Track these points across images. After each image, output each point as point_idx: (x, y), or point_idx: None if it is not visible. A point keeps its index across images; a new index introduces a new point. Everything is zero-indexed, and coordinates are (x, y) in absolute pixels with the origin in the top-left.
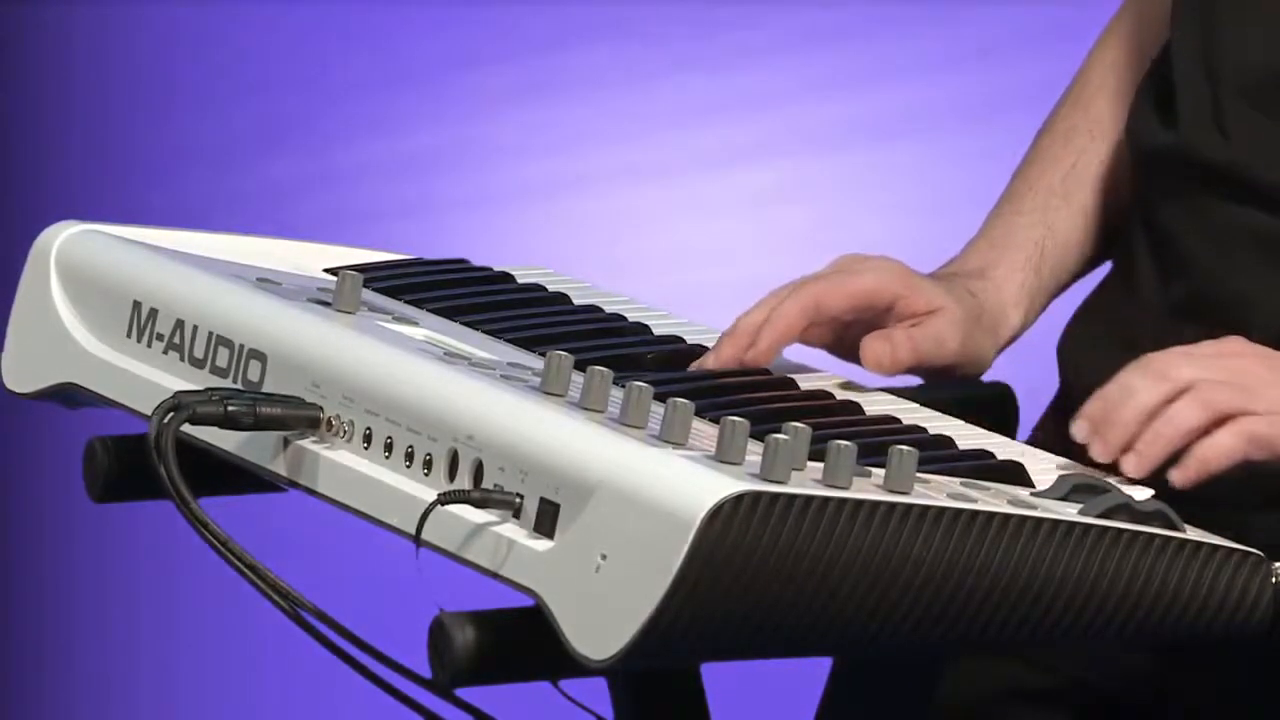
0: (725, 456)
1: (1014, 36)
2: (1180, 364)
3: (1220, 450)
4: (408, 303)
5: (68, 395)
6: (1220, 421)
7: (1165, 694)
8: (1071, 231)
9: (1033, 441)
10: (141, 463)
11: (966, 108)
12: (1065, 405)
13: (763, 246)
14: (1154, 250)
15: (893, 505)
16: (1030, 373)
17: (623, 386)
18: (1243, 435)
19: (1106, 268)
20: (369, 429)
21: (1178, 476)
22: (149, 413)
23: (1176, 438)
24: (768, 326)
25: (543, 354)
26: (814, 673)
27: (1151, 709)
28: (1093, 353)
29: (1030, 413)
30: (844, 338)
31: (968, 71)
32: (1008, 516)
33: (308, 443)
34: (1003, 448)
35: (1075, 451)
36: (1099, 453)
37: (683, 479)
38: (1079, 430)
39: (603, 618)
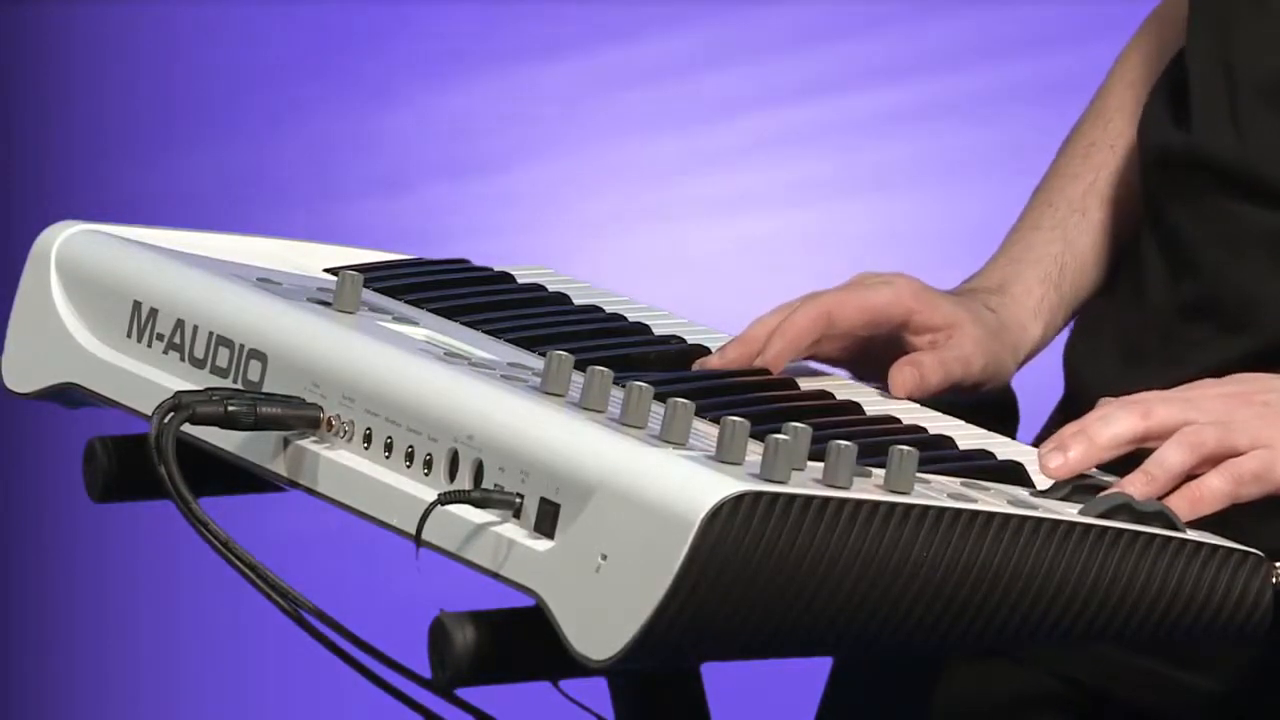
0: (725, 456)
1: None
2: (1160, 406)
3: (1210, 492)
4: (408, 303)
5: (68, 395)
6: (1208, 462)
7: (1166, 695)
8: (1090, 247)
9: (1037, 445)
10: (141, 463)
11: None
12: (1071, 409)
13: (770, 251)
14: (1163, 251)
15: (893, 505)
16: (1033, 374)
17: (623, 386)
18: (1232, 478)
19: None
20: (369, 429)
21: None
22: (149, 413)
23: (1166, 480)
24: (777, 335)
25: (543, 354)
26: (814, 673)
27: (1152, 710)
28: (1099, 355)
29: (1030, 413)
30: (863, 355)
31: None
32: (1008, 516)
33: (308, 443)
34: (1003, 448)
35: None
36: (1056, 465)
37: (683, 479)
38: (1045, 446)
39: (603, 618)
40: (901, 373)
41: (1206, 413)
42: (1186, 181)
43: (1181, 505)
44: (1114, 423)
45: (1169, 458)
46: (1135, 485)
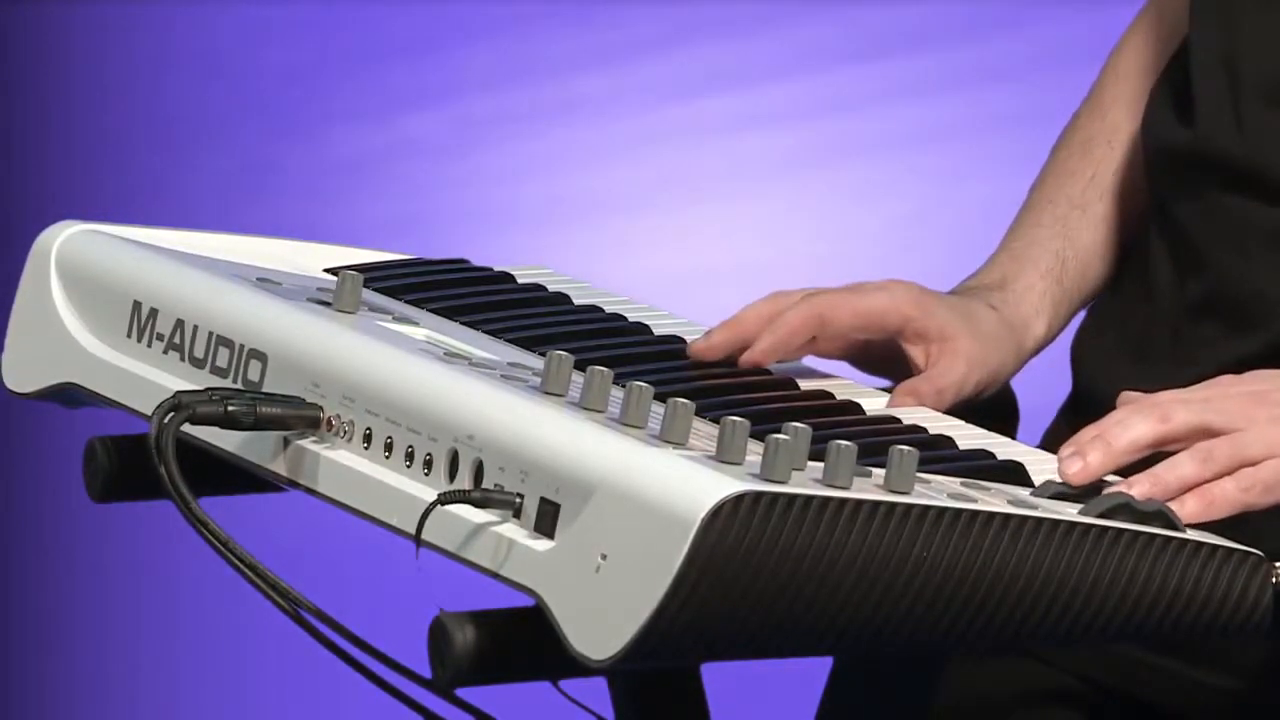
0: (725, 456)
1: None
2: (1178, 409)
3: (1224, 495)
4: (408, 303)
5: (68, 395)
6: (1221, 473)
7: (1177, 691)
8: (1092, 242)
9: (1045, 445)
10: (141, 463)
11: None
12: (1078, 408)
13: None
14: (1170, 249)
15: (893, 505)
16: (1035, 374)
17: (623, 386)
18: (1245, 486)
19: None
20: (369, 429)
21: (1177, 512)
22: (149, 413)
23: (1177, 487)
24: (768, 331)
25: (543, 354)
26: (814, 673)
27: (1163, 707)
28: (1107, 354)
29: (1032, 413)
30: (861, 353)
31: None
32: (1008, 516)
33: (308, 443)
34: (1003, 448)
35: None
36: (1075, 470)
37: (683, 479)
38: (1064, 451)
39: (603, 618)
40: (901, 403)
41: (1224, 414)
42: (1191, 179)
43: (1196, 507)
44: (1131, 428)
45: (1181, 467)
46: (1142, 487)
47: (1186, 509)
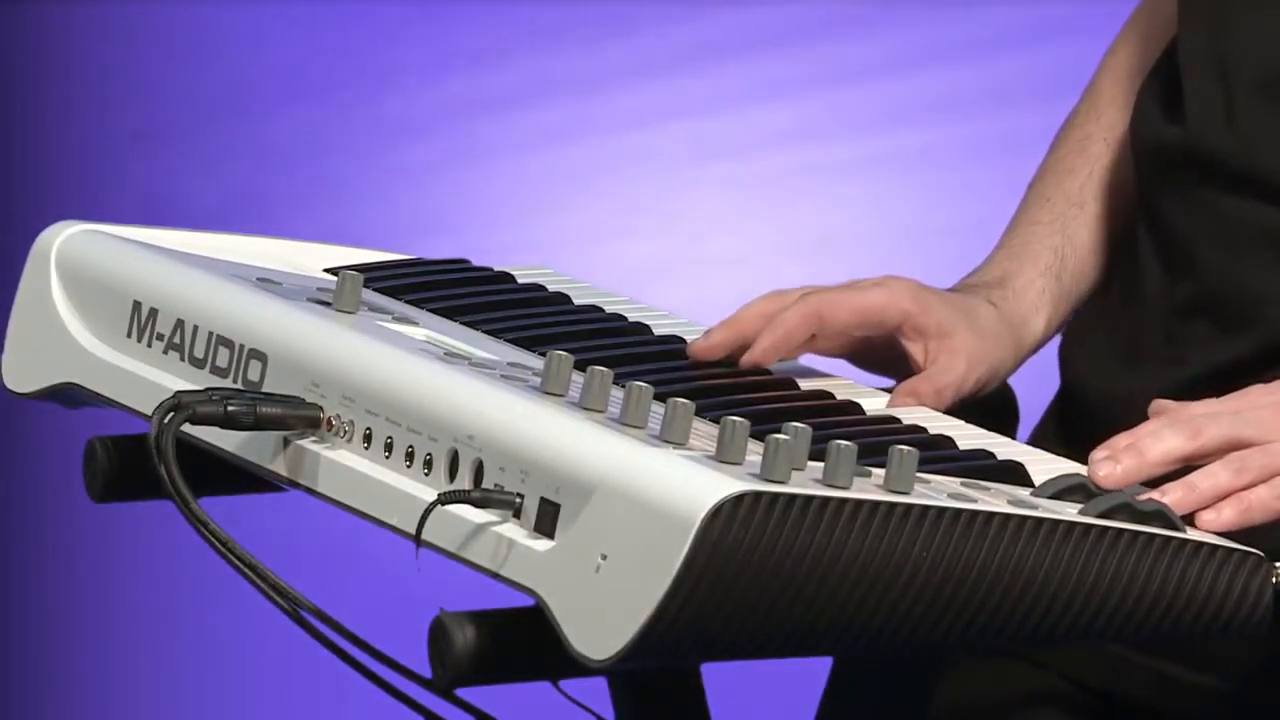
0: (725, 456)
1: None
2: (1209, 424)
3: (1260, 504)
4: (408, 303)
5: (68, 395)
6: (1255, 482)
7: (1173, 694)
8: (1089, 241)
9: (1033, 444)
10: (141, 463)
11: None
12: (1065, 407)
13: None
14: (1159, 249)
15: (893, 505)
16: (1032, 372)
17: (623, 386)
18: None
19: None
20: (369, 429)
21: (1211, 519)
22: (149, 413)
23: (1211, 496)
24: (767, 331)
25: (543, 354)
26: (814, 673)
27: (1159, 710)
28: (1095, 354)
29: (1030, 412)
30: (861, 351)
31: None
32: (1008, 516)
33: (308, 443)
34: (1003, 448)
35: (1075, 452)
36: (1106, 473)
37: (683, 479)
38: (1098, 454)
39: (603, 618)
40: (901, 402)
41: (1255, 425)
42: (1181, 177)
43: (1232, 514)
44: (1164, 440)
45: (1215, 476)
46: (1175, 495)
47: (1223, 517)
